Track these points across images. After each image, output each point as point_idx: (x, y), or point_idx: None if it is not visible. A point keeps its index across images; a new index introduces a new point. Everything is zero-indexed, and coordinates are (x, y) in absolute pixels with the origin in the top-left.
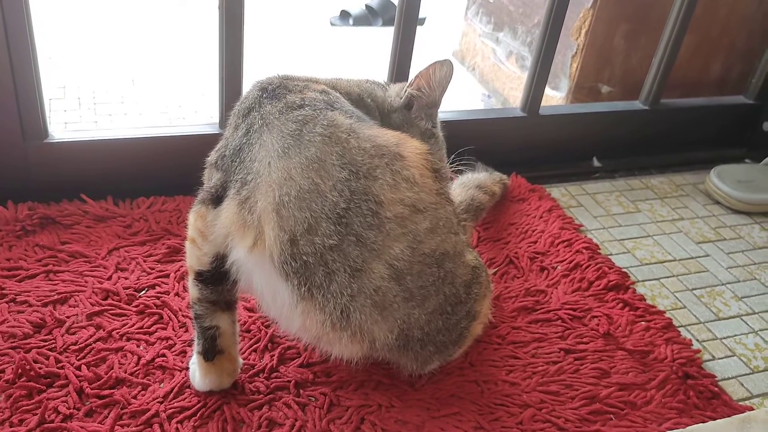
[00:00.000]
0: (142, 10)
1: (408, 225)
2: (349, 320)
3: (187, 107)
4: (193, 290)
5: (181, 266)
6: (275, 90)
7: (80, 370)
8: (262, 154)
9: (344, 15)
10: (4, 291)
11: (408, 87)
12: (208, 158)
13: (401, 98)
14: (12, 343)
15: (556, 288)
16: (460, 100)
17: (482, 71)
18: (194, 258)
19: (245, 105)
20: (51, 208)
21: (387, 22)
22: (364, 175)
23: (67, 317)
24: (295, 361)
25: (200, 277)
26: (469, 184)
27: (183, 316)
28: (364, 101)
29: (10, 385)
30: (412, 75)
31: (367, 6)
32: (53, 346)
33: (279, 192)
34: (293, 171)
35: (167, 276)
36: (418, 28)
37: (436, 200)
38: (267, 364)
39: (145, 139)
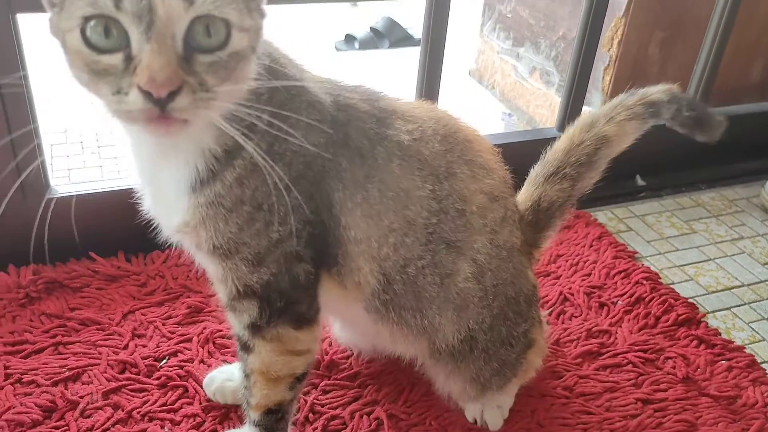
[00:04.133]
0: None
1: (487, 215)
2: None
3: None
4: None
5: (205, 327)
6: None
7: None
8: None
9: (349, 39)
10: (8, 370)
11: None
12: (258, 240)
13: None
14: None
15: (620, 326)
16: (479, 120)
17: (503, 89)
18: (305, 364)
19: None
20: (57, 270)
21: (394, 44)
22: (445, 176)
23: (81, 397)
24: None
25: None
26: None
27: None
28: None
29: None
30: (442, 98)
31: (372, 29)
32: None
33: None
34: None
35: (189, 340)
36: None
37: (507, 189)
38: None
39: None
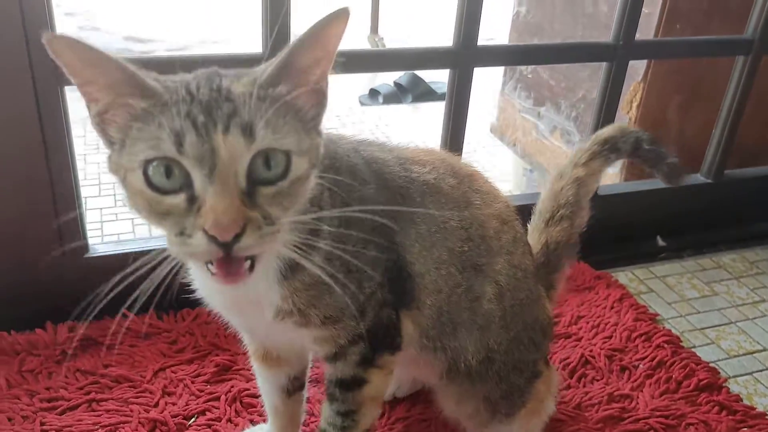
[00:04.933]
0: None
1: (501, 237)
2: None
3: None
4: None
5: (232, 386)
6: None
7: None
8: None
9: (373, 93)
10: (44, 426)
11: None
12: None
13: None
14: None
15: (642, 391)
16: (501, 175)
17: (524, 146)
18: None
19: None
20: (92, 327)
21: (417, 98)
22: (465, 206)
23: None
24: None
25: None
26: None
27: None
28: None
29: None
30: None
31: (395, 83)
32: None
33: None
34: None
35: (218, 399)
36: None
37: (512, 213)
38: None
39: None
